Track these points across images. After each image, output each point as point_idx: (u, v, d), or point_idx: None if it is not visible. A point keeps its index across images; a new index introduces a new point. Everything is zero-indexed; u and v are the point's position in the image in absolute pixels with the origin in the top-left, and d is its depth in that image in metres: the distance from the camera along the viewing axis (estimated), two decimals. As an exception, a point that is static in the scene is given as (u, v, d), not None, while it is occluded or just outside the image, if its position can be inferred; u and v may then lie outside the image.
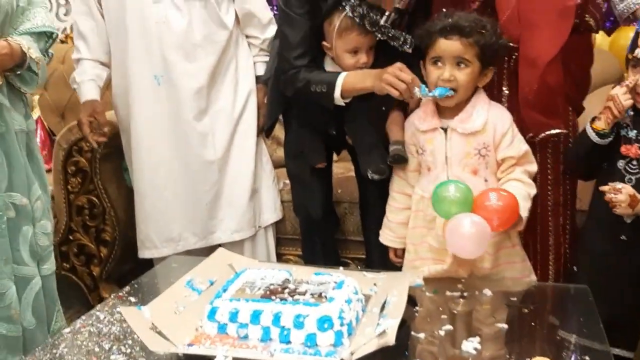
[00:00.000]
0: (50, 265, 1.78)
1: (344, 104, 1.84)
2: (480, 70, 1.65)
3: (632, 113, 1.67)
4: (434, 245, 1.70)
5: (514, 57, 1.77)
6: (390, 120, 1.89)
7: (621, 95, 1.61)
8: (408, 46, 1.81)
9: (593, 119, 1.69)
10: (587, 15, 1.74)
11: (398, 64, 1.70)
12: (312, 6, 1.84)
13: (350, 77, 1.81)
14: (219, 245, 2.23)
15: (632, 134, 1.66)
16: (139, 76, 2.09)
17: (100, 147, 2.28)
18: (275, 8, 2.92)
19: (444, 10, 1.72)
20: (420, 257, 1.75)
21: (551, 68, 1.68)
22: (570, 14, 1.68)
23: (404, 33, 1.81)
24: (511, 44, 1.72)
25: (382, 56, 1.88)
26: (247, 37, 2.21)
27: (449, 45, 1.62)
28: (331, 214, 2.24)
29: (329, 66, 1.93)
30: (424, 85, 1.65)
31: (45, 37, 1.73)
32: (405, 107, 1.91)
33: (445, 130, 1.68)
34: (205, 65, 2.09)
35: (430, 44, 1.65)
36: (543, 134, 1.73)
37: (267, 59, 2.22)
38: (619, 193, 1.59)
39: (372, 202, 2.02)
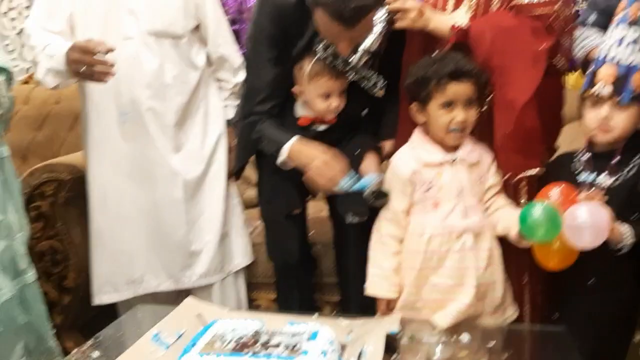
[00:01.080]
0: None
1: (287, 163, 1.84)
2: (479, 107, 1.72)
3: (589, 154, 1.68)
4: (447, 282, 1.68)
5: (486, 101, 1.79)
6: (365, 163, 1.87)
7: None
8: (379, 88, 1.81)
9: None
10: (556, 58, 1.77)
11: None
12: (281, 52, 1.83)
13: (297, 146, 1.83)
14: (186, 290, 2.19)
15: (590, 177, 1.66)
16: (105, 112, 2.05)
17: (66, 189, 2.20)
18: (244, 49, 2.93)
19: (429, 55, 1.75)
20: (423, 298, 1.71)
21: (527, 110, 1.70)
22: (542, 58, 1.71)
23: (375, 74, 1.81)
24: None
25: (352, 100, 1.87)
26: (218, 80, 2.19)
27: (461, 88, 1.66)
28: (308, 257, 2.19)
29: (300, 110, 1.91)
30: (349, 178, 1.75)
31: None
32: (379, 150, 1.90)
33: (451, 163, 1.71)
34: (174, 105, 2.05)
35: (437, 89, 1.67)
36: (521, 175, 1.74)
37: (238, 102, 2.19)
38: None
39: (349, 244, 1.98)
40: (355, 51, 1.78)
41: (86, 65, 1.81)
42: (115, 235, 2.12)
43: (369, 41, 1.77)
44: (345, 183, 1.74)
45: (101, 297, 2.16)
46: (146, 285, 2.14)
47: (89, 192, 2.17)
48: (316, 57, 1.79)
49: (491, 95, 1.77)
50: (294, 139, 1.83)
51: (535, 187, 1.73)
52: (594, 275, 1.63)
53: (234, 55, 2.17)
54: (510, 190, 1.76)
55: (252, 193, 2.41)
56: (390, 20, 1.78)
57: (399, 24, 1.76)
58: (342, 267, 2.09)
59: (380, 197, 1.74)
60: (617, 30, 1.58)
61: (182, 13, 2.02)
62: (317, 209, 2.34)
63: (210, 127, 2.14)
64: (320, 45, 1.79)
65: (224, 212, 2.16)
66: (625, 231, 1.56)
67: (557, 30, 1.74)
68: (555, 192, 1.58)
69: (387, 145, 1.95)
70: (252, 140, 1.89)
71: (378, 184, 1.76)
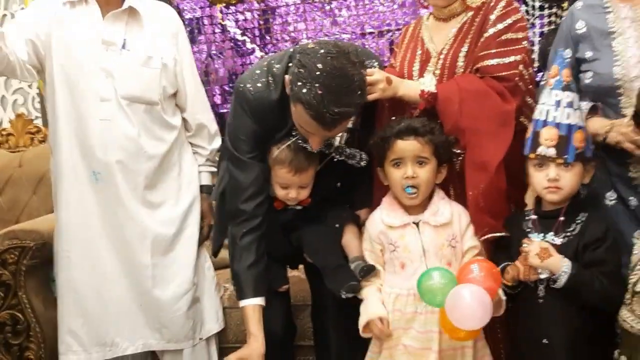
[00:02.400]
0: None
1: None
2: (437, 167, 1.73)
3: (534, 217, 1.72)
4: (413, 345, 1.68)
5: (457, 160, 1.82)
6: (346, 237, 1.88)
7: (532, 259, 1.62)
8: (364, 162, 1.83)
9: (503, 268, 1.69)
10: (522, 117, 1.81)
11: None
12: (262, 150, 1.83)
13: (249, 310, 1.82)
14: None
15: (539, 237, 1.68)
16: (77, 172, 2.01)
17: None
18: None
19: (393, 118, 1.79)
20: None
21: (498, 171, 1.73)
22: (510, 118, 1.75)
23: (358, 150, 1.83)
24: (456, 150, 1.79)
25: (326, 175, 1.88)
26: (193, 145, 2.18)
27: (407, 145, 1.70)
28: (291, 328, 2.13)
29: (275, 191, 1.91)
30: None
31: None
32: (358, 221, 1.91)
33: (417, 224, 1.72)
34: (147, 167, 2.03)
35: (388, 147, 1.72)
36: (487, 236, 1.75)
37: (213, 169, 2.19)
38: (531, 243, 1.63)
39: (328, 304, 1.95)
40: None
41: None
42: (86, 297, 2.06)
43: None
44: None
45: (68, 356, 2.08)
46: (116, 349, 2.08)
47: (57, 252, 2.11)
48: (288, 142, 1.79)
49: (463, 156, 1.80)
50: (251, 304, 1.82)
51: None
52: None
53: (211, 123, 2.18)
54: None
55: (222, 254, 2.37)
56: None
57: (370, 96, 1.77)
58: (320, 328, 2.05)
59: (371, 271, 1.76)
60: (553, 94, 1.65)
61: (160, 80, 2.02)
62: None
63: (183, 190, 2.12)
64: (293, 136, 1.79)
65: (195, 277, 2.12)
66: (564, 263, 1.59)
67: (522, 91, 1.80)
68: (475, 267, 1.61)
69: (363, 214, 1.94)
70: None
71: (363, 263, 1.79)
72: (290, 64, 1.68)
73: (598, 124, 1.76)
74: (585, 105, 1.78)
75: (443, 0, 1.87)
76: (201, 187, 2.17)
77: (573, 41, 1.85)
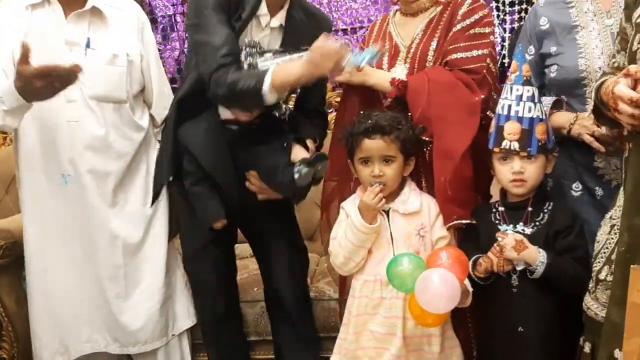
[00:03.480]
0: None
1: (274, 101, 1.75)
2: (404, 161, 1.76)
3: (502, 209, 1.75)
4: (379, 330, 1.71)
5: (427, 149, 1.84)
6: (294, 151, 1.90)
7: (509, 252, 1.63)
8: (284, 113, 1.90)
9: (475, 260, 1.71)
10: (488, 111, 1.84)
11: (317, 43, 1.65)
12: (228, 16, 1.80)
13: (281, 67, 1.74)
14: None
15: (509, 229, 1.71)
16: (46, 174, 2.00)
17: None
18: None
19: (362, 112, 1.82)
20: (362, 346, 1.73)
21: (463, 160, 1.76)
22: (477, 109, 1.79)
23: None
24: (425, 138, 1.81)
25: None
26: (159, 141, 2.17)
27: (374, 144, 1.73)
28: (236, 314, 2.17)
29: (223, 113, 1.90)
30: (352, 53, 1.66)
31: None
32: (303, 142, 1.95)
33: (387, 213, 1.75)
34: (116, 168, 2.03)
35: (356, 145, 1.75)
36: (453, 223, 1.77)
37: None
38: (506, 237, 1.65)
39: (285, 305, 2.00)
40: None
41: (47, 77, 1.72)
42: (56, 300, 2.06)
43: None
44: (353, 57, 1.66)
45: (43, 354, 2.09)
46: (93, 344, 2.10)
47: (27, 255, 2.10)
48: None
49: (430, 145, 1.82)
50: (274, 65, 1.75)
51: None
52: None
53: None
54: None
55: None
56: None
57: (338, 78, 1.83)
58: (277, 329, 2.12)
59: (322, 158, 1.83)
60: (514, 89, 1.68)
61: (126, 79, 2.01)
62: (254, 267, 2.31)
63: (151, 187, 2.11)
64: (245, 49, 1.80)
65: (166, 275, 2.12)
66: (540, 253, 1.62)
67: (489, 83, 1.83)
68: (444, 254, 1.63)
69: (309, 142, 1.96)
70: (224, 93, 1.75)
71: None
72: None
73: (563, 118, 1.80)
74: (549, 100, 1.81)
75: None
76: (168, 182, 2.16)
77: (537, 38, 1.90)
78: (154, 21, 2.90)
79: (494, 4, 2.74)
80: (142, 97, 2.12)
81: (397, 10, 2.02)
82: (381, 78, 1.85)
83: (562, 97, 1.85)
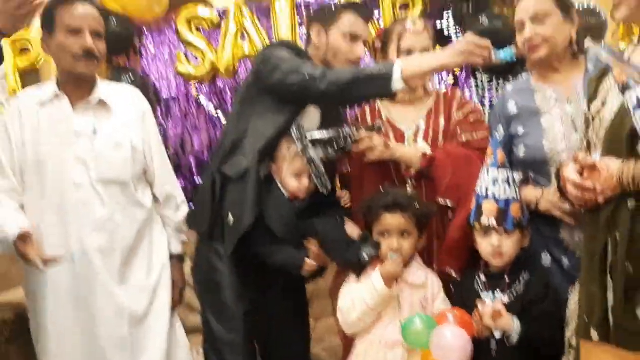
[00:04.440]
0: None
1: (401, 88, 1.89)
2: (418, 236, 1.95)
3: (483, 277, 1.91)
4: None
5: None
6: (348, 227, 2.08)
7: (487, 320, 1.79)
8: (325, 190, 2.06)
9: None
10: None
11: (467, 36, 1.88)
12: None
13: (413, 59, 1.99)
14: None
15: (489, 296, 1.87)
16: (52, 252, 2.05)
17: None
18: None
19: (381, 188, 2.04)
20: None
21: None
22: None
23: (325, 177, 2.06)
24: (449, 205, 2.06)
25: None
26: (162, 216, 2.28)
27: (393, 220, 1.92)
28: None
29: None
30: (494, 50, 1.86)
31: None
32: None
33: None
34: (122, 245, 2.13)
35: (375, 219, 1.94)
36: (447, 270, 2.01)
37: (182, 237, 2.30)
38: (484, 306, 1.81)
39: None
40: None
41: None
42: None
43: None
44: (500, 52, 1.85)
45: None
46: None
47: (33, 328, 2.17)
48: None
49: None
50: (396, 64, 1.91)
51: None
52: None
53: (178, 192, 2.31)
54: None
55: (195, 319, 2.46)
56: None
57: (370, 157, 2.06)
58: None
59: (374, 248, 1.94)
60: (490, 173, 1.87)
61: (131, 161, 2.14)
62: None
63: (154, 259, 2.22)
64: (294, 130, 2.01)
65: (168, 347, 2.18)
66: (514, 323, 1.78)
67: None
68: (450, 316, 1.82)
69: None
70: (333, 81, 1.92)
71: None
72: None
73: (531, 194, 1.95)
74: (517, 177, 1.98)
75: (413, 89, 2.14)
76: (171, 255, 2.27)
77: (506, 120, 2.07)
78: (158, 101, 3.09)
79: (473, 82, 2.94)
80: (145, 178, 2.23)
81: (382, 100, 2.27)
82: (407, 152, 2.11)
83: (530, 174, 2.01)
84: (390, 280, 1.86)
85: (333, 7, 2.22)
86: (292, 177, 2.02)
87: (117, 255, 2.11)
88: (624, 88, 1.42)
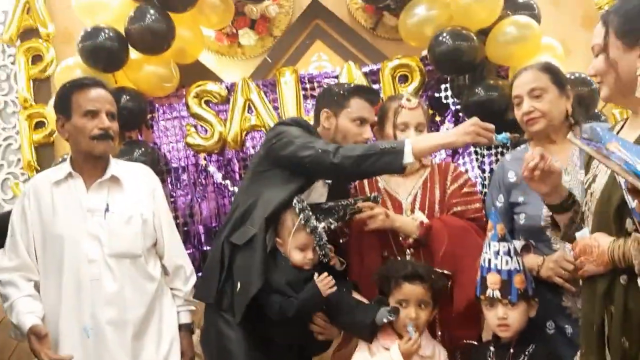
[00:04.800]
0: None
1: (411, 162, 2.02)
2: (432, 308, 2.03)
3: (492, 349, 1.96)
4: None
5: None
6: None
7: None
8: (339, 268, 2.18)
9: None
10: None
11: (473, 119, 2.01)
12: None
13: (422, 136, 2.14)
14: None
15: None
16: (69, 329, 2.14)
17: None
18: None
19: (392, 259, 2.17)
20: None
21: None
22: (482, 249, 2.06)
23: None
24: (447, 272, 2.13)
25: None
26: (171, 289, 2.35)
27: (413, 290, 2.01)
28: None
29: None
30: (496, 135, 1.99)
31: None
32: None
33: None
34: (133, 318, 2.18)
35: (395, 287, 2.01)
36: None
37: (191, 307, 2.36)
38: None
39: None
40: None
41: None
42: None
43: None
44: (499, 136, 1.97)
45: None
46: None
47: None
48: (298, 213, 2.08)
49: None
50: (407, 140, 2.05)
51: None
52: None
53: (187, 263, 2.38)
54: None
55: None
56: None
57: (371, 225, 2.15)
58: None
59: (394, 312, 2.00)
60: (492, 246, 1.94)
61: (142, 235, 2.23)
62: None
63: (164, 332, 2.26)
64: (297, 203, 2.09)
65: None
66: None
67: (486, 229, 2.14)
68: None
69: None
70: (348, 156, 2.05)
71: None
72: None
73: (532, 261, 2.03)
74: (519, 244, 2.05)
75: None
76: (180, 325, 2.31)
77: (506, 188, 2.17)
78: (168, 171, 3.20)
79: (472, 148, 3.04)
80: (155, 250, 2.31)
81: None
82: (406, 222, 2.21)
83: (531, 242, 2.09)
84: (409, 357, 1.92)
85: (342, 91, 2.34)
86: (297, 250, 2.10)
87: (129, 328, 2.16)
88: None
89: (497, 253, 1.92)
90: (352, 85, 2.59)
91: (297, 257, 2.10)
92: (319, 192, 2.25)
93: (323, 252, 2.10)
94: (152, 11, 2.91)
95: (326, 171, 2.14)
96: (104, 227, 2.18)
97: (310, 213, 2.09)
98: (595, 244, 1.45)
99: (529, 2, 3.00)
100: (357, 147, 2.11)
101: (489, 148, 3.04)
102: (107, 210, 2.21)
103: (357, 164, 2.04)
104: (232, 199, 3.16)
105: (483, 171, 3.04)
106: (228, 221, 2.26)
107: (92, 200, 2.21)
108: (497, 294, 1.91)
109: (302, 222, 2.07)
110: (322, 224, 2.10)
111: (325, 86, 2.94)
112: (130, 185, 2.27)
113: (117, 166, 2.28)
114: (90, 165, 2.23)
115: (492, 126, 1.98)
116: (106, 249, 2.17)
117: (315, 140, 2.17)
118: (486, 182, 3.00)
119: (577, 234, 1.52)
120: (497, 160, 3.02)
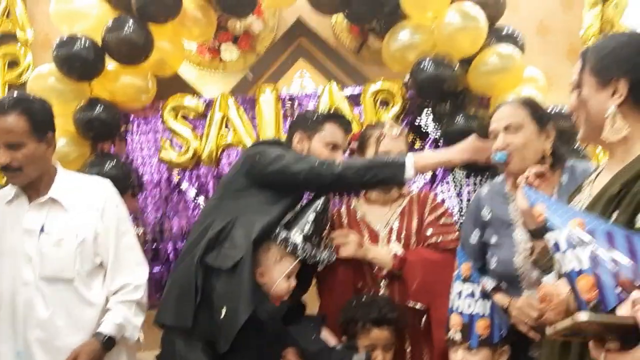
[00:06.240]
0: None
1: (412, 176, 2.05)
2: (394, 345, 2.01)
3: None
4: None
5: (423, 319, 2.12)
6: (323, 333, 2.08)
7: None
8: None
9: None
10: None
11: (472, 137, 2.06)
12: None
13: (424, 153, 2.15)
14: None
15: None
16: (5, 352, 2.06)
17: None
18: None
19: (359, 295, 2.12)
20: None
21: None
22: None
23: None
24: (420, 307, 2.10)
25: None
26: (122, 302, 2.13)
27: (382, 334, 1.99)
28: None
29: None
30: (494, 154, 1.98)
31: None
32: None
33: None
34: (68, 345, 2.05)
35: (361, 332, 1.97)
36: None
37: (141, 317, 2.18)
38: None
39: None
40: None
41: None
42: None
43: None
44: (497, 155, 1.94)
45: None
46: None
47: None
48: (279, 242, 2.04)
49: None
50: (409, 155, 2.08)
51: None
52: None
53: (132, 279, 2.15)
54: None
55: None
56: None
57: (343, 253, 2.12)
58: None
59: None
60: (455, 286, 1.89)
61: (75, 258, 2.08)
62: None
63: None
64: (281, 231, 2.04)
65: None
66: None
67: None
68: None
69: None
70: (351, 174, 2.04)
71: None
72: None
73: (502, 300, 1.95)
74: (491, 283, 1.98)
75: (387, 191, 2.27)
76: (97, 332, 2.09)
77: (480, 224, 2.08)
78: (140, 185, 3.12)
79: (450, 177, 3.00)
80: (102, 272, 2.15)
81: (359, 199, 2.36)
82: (379, 253, 2.17)
83: (502, 284, 2.00)
84: None
85: (317, 116, 2.31)
86: (284, 278, 2.02)
87: (61, 355, 2.03)
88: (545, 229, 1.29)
89: (460, 295, 1.87)
90: (328, 111, 2.58)
91: (283, 285, 2.03)
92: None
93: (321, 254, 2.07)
94: (130, 21, 2.86)
95: (324, 183, 2.07)
96: (36, 248, 2.08)
97: (297, 241, 2.03)
98: (555, 293, 1.39)
99: (514, 32, 2.98)
100: (359, 160, 2.13)
101: (467, 176, 3.00)
102: (42, 231, 2.09)
103: (360, 174, 2.04)
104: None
105: (461, 200, 2.99)
106: (199, 239, 2.12)
107: (29, 221, 2.11)
108: (458, 336, 1.85)
109: (289, 250, 2.03)
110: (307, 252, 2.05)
111: (304, 108, 2.90)
112: (73, 204, 2.13)
113: (62, 183, 2.15)
114: (33, 185, 2.12)
115: (490, 144, 1.97)
116: (38, 272, 2.07)
117: (307, 155, 2.17)
118: (464, 212, 2.95)
119: (543, 279, 1.47)
120: (475, 190, 2.98)
